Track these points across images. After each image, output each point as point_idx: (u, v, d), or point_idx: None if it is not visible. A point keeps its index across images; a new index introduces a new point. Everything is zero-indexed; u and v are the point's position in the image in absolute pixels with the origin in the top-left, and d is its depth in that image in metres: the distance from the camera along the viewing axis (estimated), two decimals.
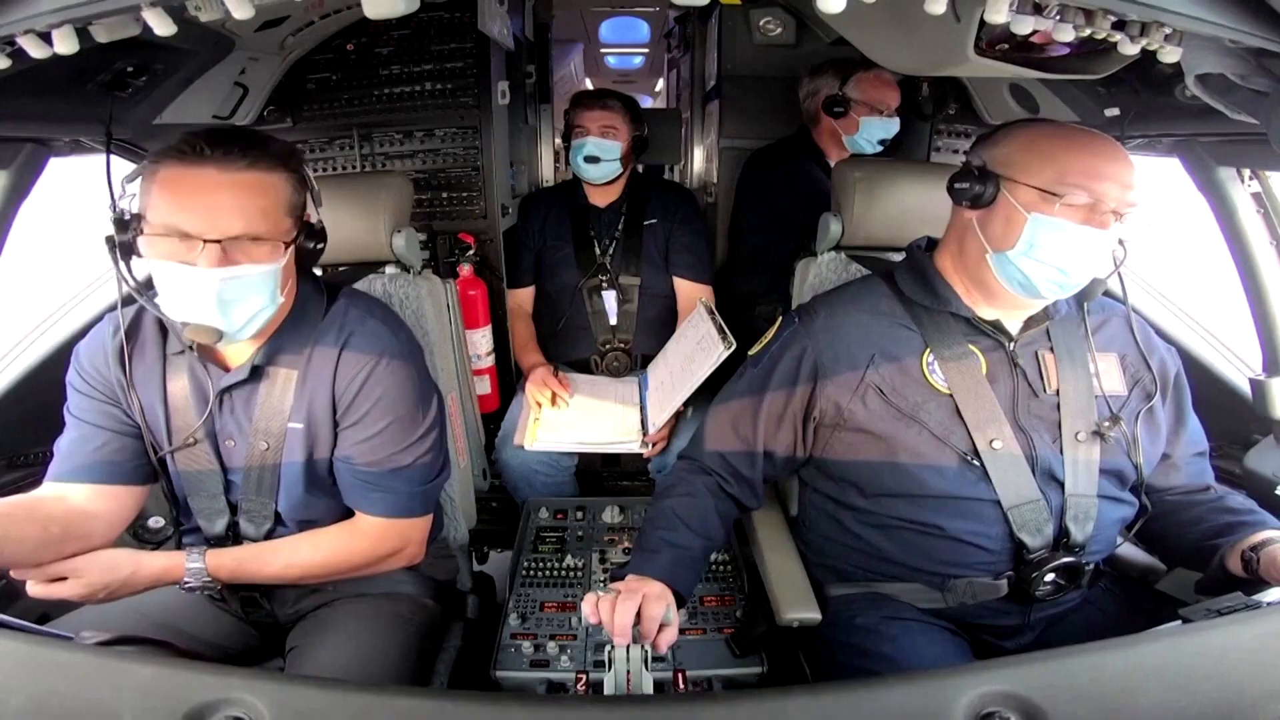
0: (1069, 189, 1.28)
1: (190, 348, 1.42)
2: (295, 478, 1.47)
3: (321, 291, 1.53)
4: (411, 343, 1.57)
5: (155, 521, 1.56)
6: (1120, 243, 1.34)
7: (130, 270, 1.34)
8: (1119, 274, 1.43)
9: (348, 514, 1.53)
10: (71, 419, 1.47)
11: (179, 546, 1.56)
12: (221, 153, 1.24)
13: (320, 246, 1.45)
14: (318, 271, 1.64)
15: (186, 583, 1.41)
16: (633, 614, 1.22)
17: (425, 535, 1.61)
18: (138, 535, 2.13)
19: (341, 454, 1.48)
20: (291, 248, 1.36)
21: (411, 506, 1.53)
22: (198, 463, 1.47)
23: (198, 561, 1.41)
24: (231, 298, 1.28)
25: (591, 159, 2.56)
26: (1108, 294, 1.49)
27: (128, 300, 1.40)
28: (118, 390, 1.45)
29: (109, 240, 1.31)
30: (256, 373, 1.43)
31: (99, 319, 1.52)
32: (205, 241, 1.23)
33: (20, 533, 1.30)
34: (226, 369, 1.44)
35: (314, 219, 1.43)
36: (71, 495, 1.43)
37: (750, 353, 1.64)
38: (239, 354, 1.44)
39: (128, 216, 1.30)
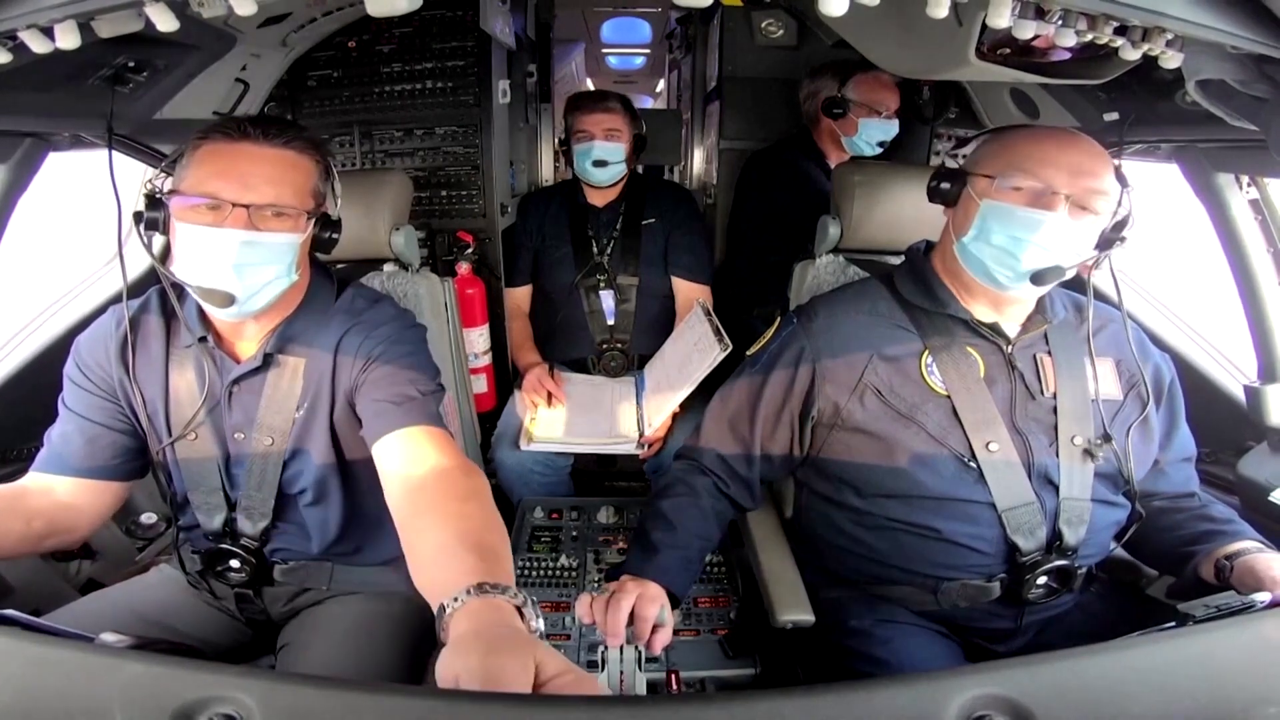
0: (1014, 173, 1.33)
1: (202, 339, 1.43)
2: (302, 466, 1.47)
3: (333, 282, 1.56)
4: (419, 327, 1.60)
5: (148, 518, 1.56)
6: (1110, 245, 1.35)
7: (149, 246, 1.43)
8: (1114, 279, 1.44)
9: (355, 509, 1.52)
10: (65, 411, 1.47)
11: (175, 543, 1.58)
12: (261, 131, 1.33)
13: (334, 237, 1.47)
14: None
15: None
16: (626, 614, 1.22)
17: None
18: (130, 532, 2.14)
19: (365, 394, 1.43)
20: (310, 230, 1.40)
21: (441, 417, 1.46)
22: (200, 457, 1.47)
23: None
24: (249, 261, 1.32)
25: (600, 163, 2.56)
26: (1104, 299, 1.49)
27: (133, 291, 1.44)
28: (116, 385, 1.45)
29: (136, 215, 1.37)
30: (268, 360, 1.44)
31: (96, 314, 1.52)
32: (235, 205, 1.29)
33: (4, 527, 1.32)
34: (238, 361, 1.45)
35: (332, 211, 1.47)
36: (57, 487, 1.43)
37: (748, 353, 1.64)
38: (249, 346, 1.45)
39: (160, 194, 1.36)
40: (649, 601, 1.26)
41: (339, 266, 1.88)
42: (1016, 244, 1.32)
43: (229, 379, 1.44)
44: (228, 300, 1.33)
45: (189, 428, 1.45)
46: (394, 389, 1.42)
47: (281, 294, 1.40)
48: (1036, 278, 1.32)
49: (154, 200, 1.36)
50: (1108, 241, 1.36)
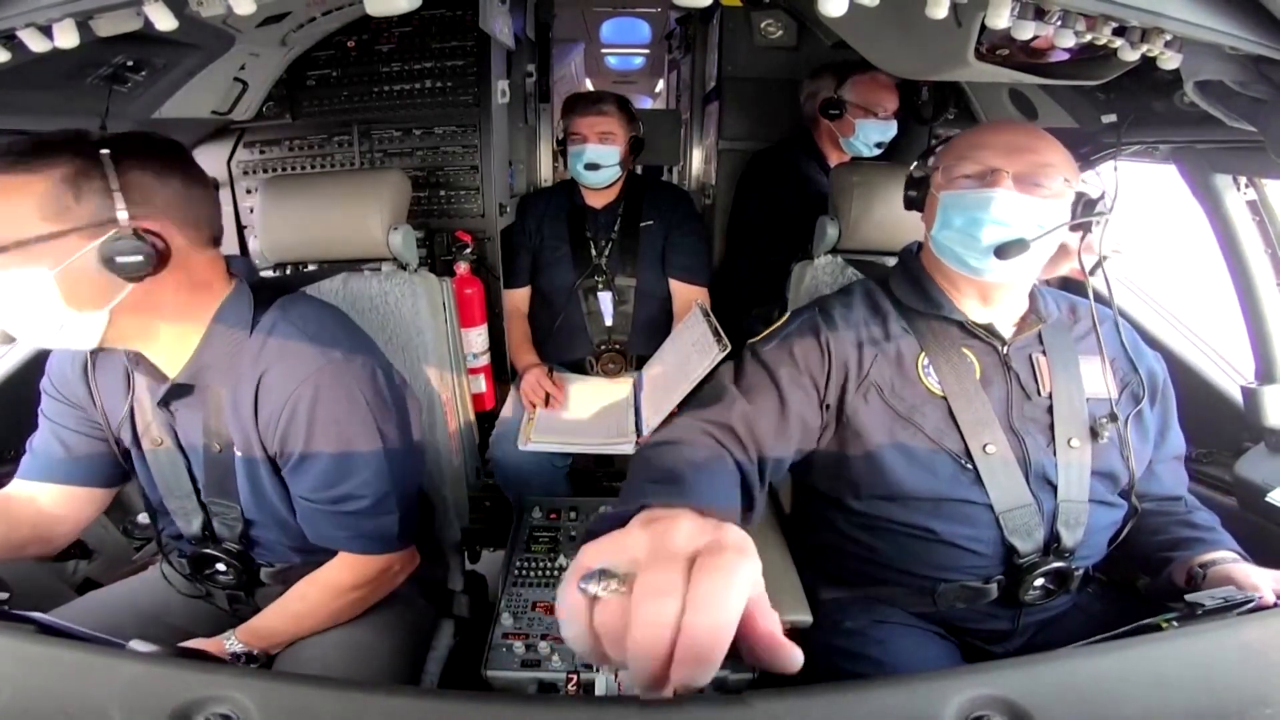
0: (959, 162, 1.40)
1: (131, 358, 1.36)
2: (251, 491, 1.43)
3: (250, 303, 1.39)
4: (350, 354, 1.40)
5: (144, 518, 1.56)
6: (1087, 224, 1.38)
7: None
8: (1105, 278, 1.44)
9: None
10: (43, 420, 1.47)
11: (160, 546, 1.57)
12: None
13: (133, 260, 1.18)
14: (264, 269, 1.60)
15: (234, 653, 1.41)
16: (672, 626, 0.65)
17: (411, 553, 1.57)
18: (127, 531, 2.13)
19: (296, 495, 1.41)
20: (79, 256, 1.15)
21: (388, 539, 1.46)
22: (168, 463, 1.44)
23: (237, 645, 1.41)
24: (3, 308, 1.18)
25: (592, 166, 2.55)
26: (1099, 300, 1.49)
27: None
28: (84, 397, 1.43)
29: None
30: (184, 389, 1.35)
31: None
32: None
33: None
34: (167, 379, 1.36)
35: (122, 222, 1.17)
36: (40, 495, 1.43)
37: (751, 341, 1.54)
38: (168, 364, 1.35)
39: None
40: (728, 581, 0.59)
41: (336, 265, 1.88)
42: (974, 224, 1.36)
43: (155, 399, 1.38)
44: (8, 338, 1.24)
45: (145, 437, 1.43)
46: (336, 493, 1.39)
47: (116, 328, 1.24)
48: (1000, 252, 1.34)
49: None
50: (1083, 220, 1.37)
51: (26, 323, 1.19)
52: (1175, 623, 1.10)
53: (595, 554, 0.64)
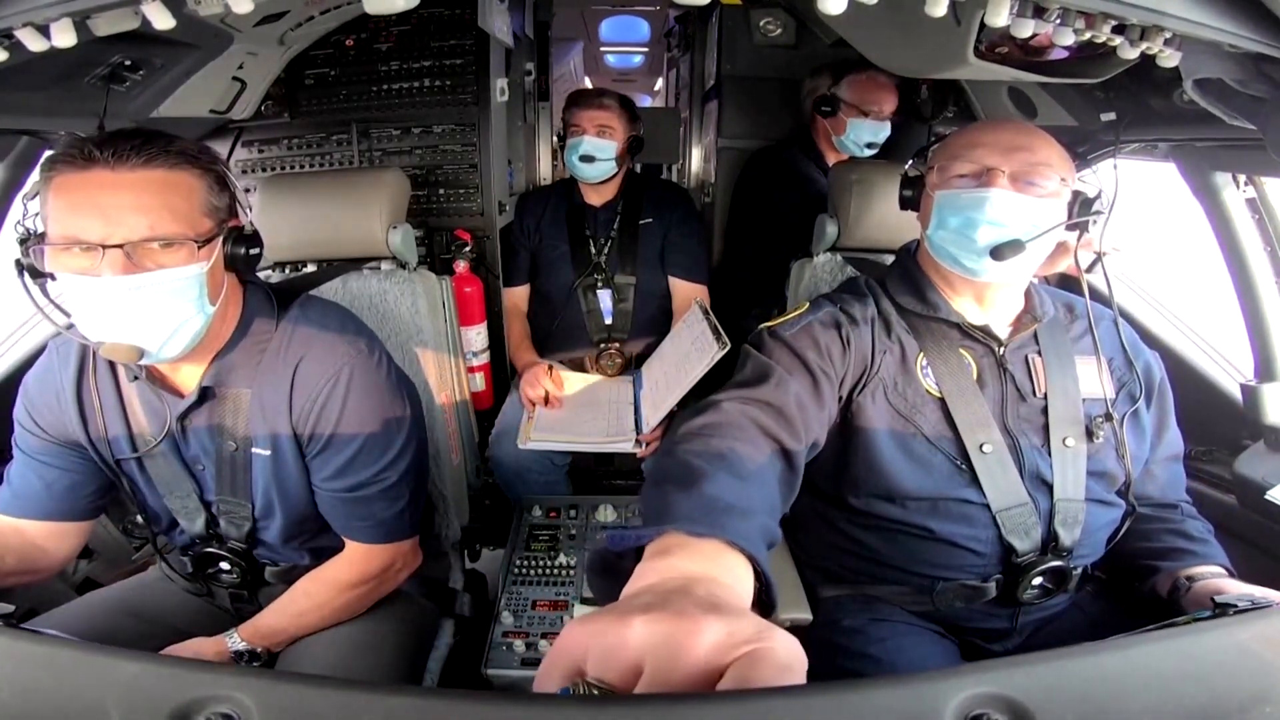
0: (955, 162, 1.39)
1: (137, 376, 1.33)
2: (267, 492, 1.43)
3: (272, 302, 1.43)
4: (372, 347, 1.47)
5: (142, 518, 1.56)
6: (1084, 223, 1.38)
7: (34, 297, 1.21)
8: (1105, 277, 1.44)
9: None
10: (20, 454, 1.42)
11: (156, 548, 1.56)
12: (111, 153, 1.13)
13: (255, 252, 1.32)
14: (268, 274, 1.61)
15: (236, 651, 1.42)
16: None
17: (415, 548, 1.58)
18: (127, 531, 2.13)
19: (318, 483, 1.43)
20: (217, 253, 1.25)
21: (400, 527, 1.50)
22: (166, 468, 1.42)
23: (239, 643, 1.42)
24: (145, 309, 1.16)
25: (587, 158, 2.54)
26: (1096, 298, 1.49)
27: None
28: (73, 427, 1.38)
29: (17, 264, 1.18)
30: (208, 393, 1.36)
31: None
32: (105, 248, 1.12)
33: None
34: (180, 394, 1.36)
35: (244, 222, 1.32)
36: (27, 529, 1.40)
37: (765, 325, 1.50)
38: (190, 377, 1.36)
39: (29, 234, 1.17)
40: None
41: (335, 265, 1.88)
42: (970, 224, 1.35)
43: (176, 414, 1.36)
44: (135, 354, 1.19)
45: (148, 452, 1.40)
46: (359, 479, 1.42)
47: (205, 331, 1.27)
48: (995, 253, 1.33)
49: (26, 242, 1.17)
50: (1079, 219, 1.37)
51: (176, 323, 1.21)
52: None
53: (583, 640, 0.54)
